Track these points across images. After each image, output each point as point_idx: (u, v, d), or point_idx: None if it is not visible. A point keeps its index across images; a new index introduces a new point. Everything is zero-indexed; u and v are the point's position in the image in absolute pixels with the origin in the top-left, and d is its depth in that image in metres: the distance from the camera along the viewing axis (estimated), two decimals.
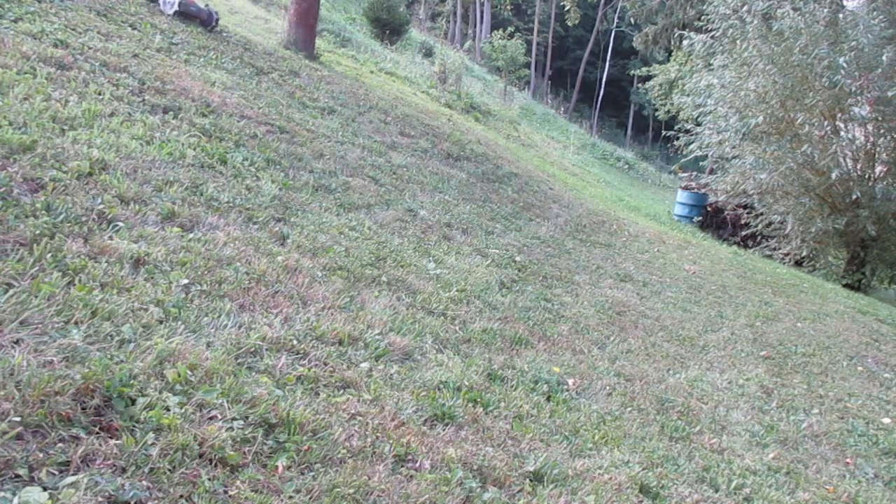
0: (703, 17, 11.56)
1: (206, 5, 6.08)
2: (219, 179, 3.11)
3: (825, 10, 9.13)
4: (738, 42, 10.09)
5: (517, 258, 4.40)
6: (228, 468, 1.45)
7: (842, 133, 9.55)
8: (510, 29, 21.07)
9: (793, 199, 10.08)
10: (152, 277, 2.05)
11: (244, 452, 1.51)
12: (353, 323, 2.39)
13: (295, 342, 2.08)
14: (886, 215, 9.33)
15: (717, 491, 2.39)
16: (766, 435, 3.11)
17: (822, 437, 3.33)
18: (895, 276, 11.02)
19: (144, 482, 1.31)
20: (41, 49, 3.39)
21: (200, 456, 1.44)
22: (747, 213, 11.56)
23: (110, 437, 1.38)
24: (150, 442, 1.39)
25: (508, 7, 33.03)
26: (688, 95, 12.02)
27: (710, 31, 11.04)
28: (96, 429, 1.39)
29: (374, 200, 4.06)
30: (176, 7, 5.64)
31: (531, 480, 1.95)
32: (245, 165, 3.46)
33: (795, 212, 10.16)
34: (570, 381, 2.83)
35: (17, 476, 1.21)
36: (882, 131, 9.37)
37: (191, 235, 2.44)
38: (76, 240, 2.03)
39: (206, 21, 5.94)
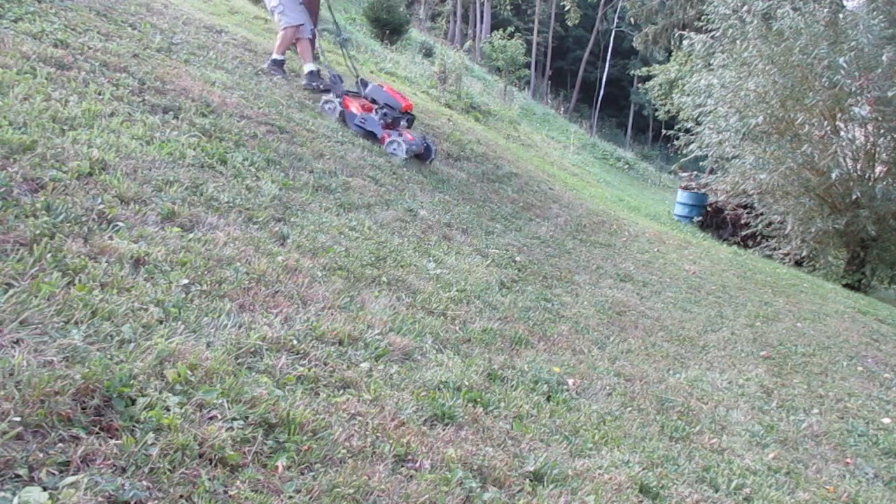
0: (703, 17, 11.57)
1: (424, 138, 5.68)
2: (219, 179, 3.11)
3: (825, 10, 9.13)
4: (738, 42, 10.09)
5: (517, 258, 4.40)
6: (228, 468, 1.45)
7: (842, 133, 9.55)
8: (510, 29, 21.06)
9: (793, 199, 10.08)
10: (152, 277, 2.05)
11: (244, 452, 1.51)
12: (353, 323, 2.39)
13: (295, 342, 2.08)
14: (886, 215, 9.33)
15: (717, 491, 2.39)
16: (766, 435, 3.11)
17: (822, 437, 3.33)
18: (895, 276, 11.02)
19: (144, 482, 1.31)
20: (41, 49, 3.39)
21: (200, 456, 1.44)
22: (747, 213, 11.56)
23: (110, 437, 1.38)
24: (150, 442, 1.39)
25: (508, 7, 33.03)
26: (688, 95, 12.01)
27: (710, 31, 11.04)
28: (96, 429, 1.39)
29: (374, 200, 4.06)
30: (404, 153, 5.26)
31: (531, 480, 1.95)
32: (245, 165, 3.46)
33: (795, 212, 10.16)
34: (570, 381, 2.83)
35: (17, 476, 1.21)
36: (882, 131, 9.37)
37: (191, 235, 2.44)
38: (76, 240, 2.03)
39: (425, 155, 5.55)
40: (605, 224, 7.34)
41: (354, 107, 5.36)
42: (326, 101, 5.44)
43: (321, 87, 5.79)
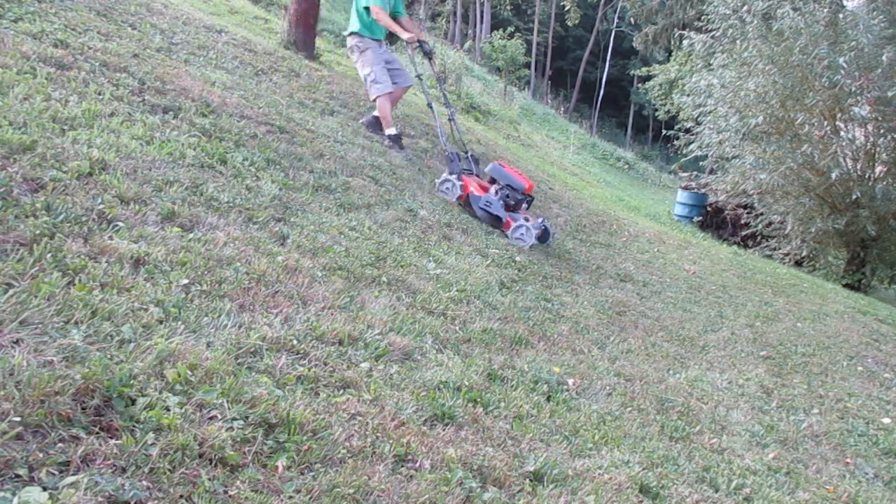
0: (703, 17, 11.58)
1: (543, 220, 5.10)
2: (219, 179, 3.11)
3: (825, 10, 9.13)
4: (738, 42, 10.10)
5: (517, 258, 4.40)
6: (228, 468, 1.45)
7: (842, 133, 9.56)
8: (510, 29, 21.08)
9: (793, 199, 10.09)
10: (152, 277, 2.05)
11: (244, 452, 1.51)
12: (353, 323, 2.39)
13: (295, 342, 2.08)
14: (886, 215, 9.34)
15: (717, 491, 2.39)
16: (766, 435, 3.11)
17: (822, 437, 3.33)
18: (895, 276, 11.03)
19: (144, 482, 1.31)
20: (41, 49, 3.39)
21: (200, 456, 1.44)
22: (747, 213, 11.57)
23: (110, 437, 1.38)
24: (150, 442, 1.39)
25: (508, 7, 33.02)
26: (688, 95, 12.02)
27: (710, 31, 11.05)
28: (96, 429, 1.39)
29: (374, 200, 4.06)
30: (532, 240, 4.78)
31: (531, 480, 1.95)
32: (245, 165, 3.46)
33: (795, 212, 10.17)
34: (570, 381, 2.83)
35: (17, 476, 1.21)
36: (882, 131, 9.37)
37: (191, 235, 2.44)
38: (76, 240, 2.03)
39: (543, 238, 5.00)
40: (605, 224, 7.34)
41: (474, 187, 4.95)
42: (445, 181, 5.05)
43: (388, 145, 5.52)
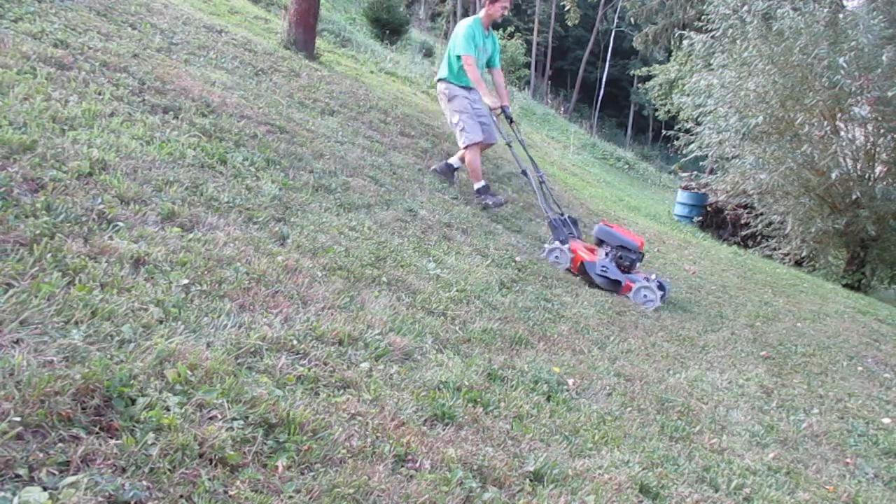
0: (703, 17, 11.57)
1: (653, 275, 4.79)
2: (219, 179, 3.11)
3: (825, 10, 9.13)
4: (738, 42, 10.10)
5: (517, 258, 4.40)
6: (228, 468, 1.45)
7: (842, 133, 9.56)
8: (510, 29, 21.10)
9: (793, 199, 10.09)
10: (152, 277, 2.05)
11: (244, 452, 1.51)
12: (353, 323, 2.39)
13: (295, 342, 2.08)
14: (886, 215, 9.34)
15: (717, 491, 2.39)
16: (766, 435, 3.11)
17: (822, 437, 3.33)
18: (895, 276, 11.02)
19: (144, 482, 1.31)
20: (41, 49, 3.39)
21: (200, 456, 1.44)
22: (747, 213, 11.57)
23: (110, 437, 1.38)
24: (150, 442, 1.39)
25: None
26: (688, 95, 12.02)
27: (710, 31, 11.05)
28: (96, 429, 1.39)
29: (374, 200, 4.06)
30: (658, 301, 4.57)
31: (531, 480, 1.95)
32: (245, 165, 3.46)
33: (795, 212, 10.17)
34: (570, 381, 2.82)
35: (17, 476, 1.21)
36: (882, 131, 9.37)
37: (191, 235, 2.44)
38: (76, 240, 2.03)
39: (661, 288, 4.72)
40: None
41: (584, 252, 4.71)
42: (553, 250, 4.80)
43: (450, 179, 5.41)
